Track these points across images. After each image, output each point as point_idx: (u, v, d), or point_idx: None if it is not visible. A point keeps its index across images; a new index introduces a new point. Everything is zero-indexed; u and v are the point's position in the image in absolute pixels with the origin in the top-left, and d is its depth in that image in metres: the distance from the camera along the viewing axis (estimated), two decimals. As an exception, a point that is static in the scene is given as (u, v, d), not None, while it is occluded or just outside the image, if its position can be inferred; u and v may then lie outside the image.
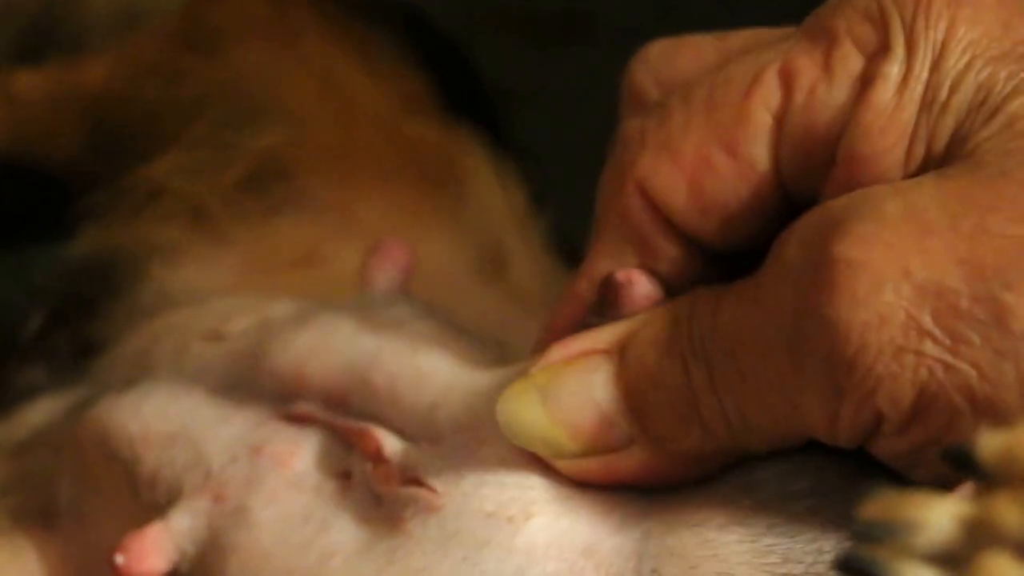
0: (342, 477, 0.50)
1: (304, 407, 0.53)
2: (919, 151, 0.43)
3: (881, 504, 0.35)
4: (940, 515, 0.34)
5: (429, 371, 0.51)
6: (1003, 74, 0.42)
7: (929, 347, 0.40)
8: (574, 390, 0.45)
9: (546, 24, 0.79)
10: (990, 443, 0.34)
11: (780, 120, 0.44)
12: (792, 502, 0.46)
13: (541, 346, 0.48)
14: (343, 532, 0.49)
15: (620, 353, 0.45)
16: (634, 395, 0.44)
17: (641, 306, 0.47)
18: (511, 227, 0.64)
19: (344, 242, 0.62)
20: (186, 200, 0.63)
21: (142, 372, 0.58)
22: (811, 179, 0.45)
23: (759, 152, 0.45)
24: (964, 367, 0.40)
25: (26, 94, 0.68)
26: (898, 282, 0.40)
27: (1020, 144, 0.41)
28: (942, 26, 0.43)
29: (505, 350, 0.54)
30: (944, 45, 0.43)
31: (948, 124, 0.42)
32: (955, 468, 0.35)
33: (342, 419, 0.51)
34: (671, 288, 0.47)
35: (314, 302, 0.58)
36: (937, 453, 0.42)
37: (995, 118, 0.41)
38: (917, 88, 0.43)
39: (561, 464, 0.45)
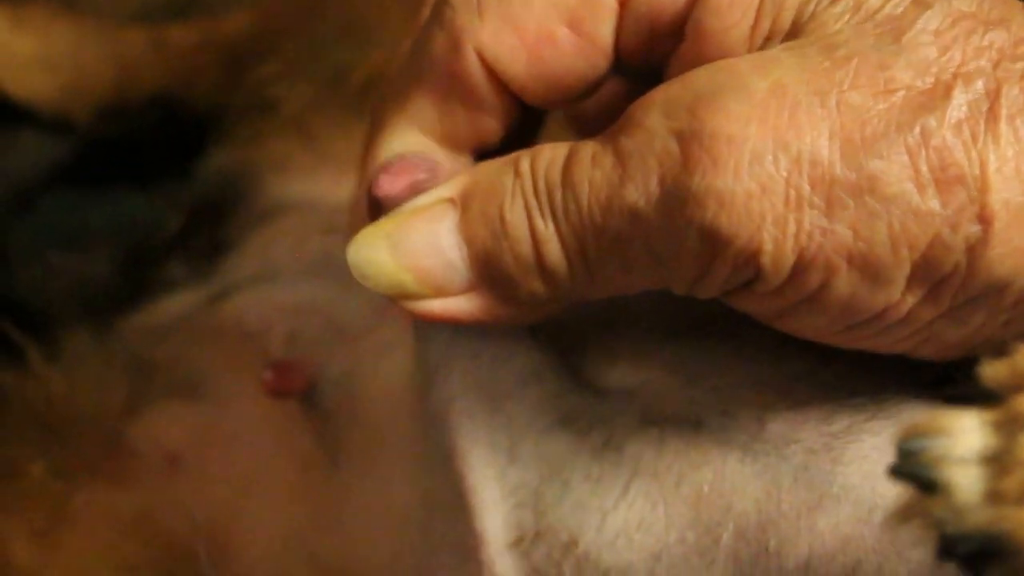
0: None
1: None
2: (764, 26, 0.41)
3: (916, 425, 0.35)
4: (970, 423, 0.35)
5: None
6: None
7: (808, 213, 0.39)
8: (420, 236, 0.43)
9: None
10: (994, 370, 0.35)
11: (624, 1, 0.43)
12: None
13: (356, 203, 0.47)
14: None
15: (464, 202, 0.43)
16: (475, 243, 0.43)
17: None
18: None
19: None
20: (292, 117, 0.65)
21: (267, 266, 0.60)
22: (653, 55, 0.43)
23: (603, 30, 0.43)
24: (841, 229, 0.39)
25: (176, 43, 0.70)
26: (776, 154, 0.39)
27: (868, 27, 0.40)
28: None
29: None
30: None
31: (792, 2, 0.41)
32: (964, 401, 0.35)
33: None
34: (498, 148, 0.46)
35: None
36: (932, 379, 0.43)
37: (840, 0, 0.41)
38: None
39: (406, 306, 0.43)
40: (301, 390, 0.54)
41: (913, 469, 0.35)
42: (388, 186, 0.43)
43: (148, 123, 0.69)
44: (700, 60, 0.42)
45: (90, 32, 0.70)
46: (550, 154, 0.42)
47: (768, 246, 0.39)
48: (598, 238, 0.41)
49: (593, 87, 0.44)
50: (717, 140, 0.39)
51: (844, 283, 0.40)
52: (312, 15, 0.66)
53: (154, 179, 0.69)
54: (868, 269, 0.40)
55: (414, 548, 0.48)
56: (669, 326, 0.48)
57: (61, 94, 0.69)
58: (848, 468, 0.43)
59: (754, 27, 0.41)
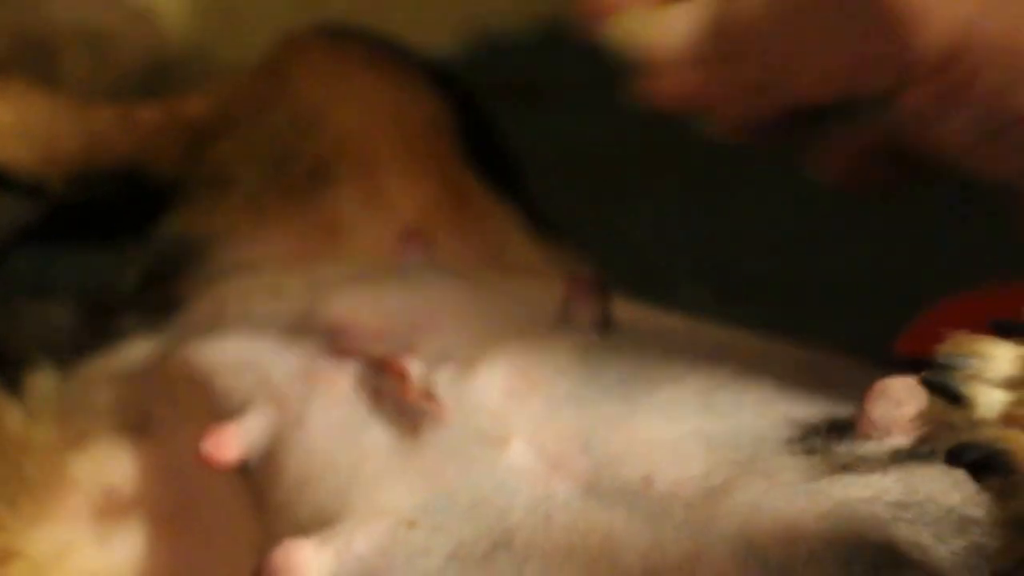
0: (375, 394, 0.54)
1: (347, 343, 0.57)
2: None
3: (958, 343, 0.39)
4: (1006, 353, 0.38)
5: (452, 314, 0.57)
6: None
7: (962, 7, 0.43)
8: (668, 22, 0.51)
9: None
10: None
11: None
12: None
13: None
14: (374, 434, 0.53)
15: (703, 2, 0.51)
16: (722, 29, 0.50)
17: None
18: (510, 224, 0.69)
19: (374, 226, 0.67)
20: (244, 191, 0.68)
21: (217, 322, 0.62)
22: None
23: None
24: (990, 27, 0.43)
25: (142, 121, 0.73)
26: None
27: None
28: None
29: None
30: None
31: None
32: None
33: (377, 351, 0.56)
34: None
35: (355, 267, 0.63)
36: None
37: None
38: None
39: (647, 77, 0.51)
40: (236, 462, 0.56)
41: (945, 380, 0.38)
42: None
43: (113, 190, 0.73)
44: None
45: (64, 107, 0.73)
46: None
47: (923, 30, 0.43)
48: (799, 17, 0.47)
49: None
50: None
51: (989, 78, 0.44)
52: (266, 104, 0.70)
53: (117, 240, 0.72)
54: (1013, 68, 0.43)
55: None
56: (576, 391, 0.51)
57: (36, 162, 0.72)
58: (723, 521, 0.45)
59: None
